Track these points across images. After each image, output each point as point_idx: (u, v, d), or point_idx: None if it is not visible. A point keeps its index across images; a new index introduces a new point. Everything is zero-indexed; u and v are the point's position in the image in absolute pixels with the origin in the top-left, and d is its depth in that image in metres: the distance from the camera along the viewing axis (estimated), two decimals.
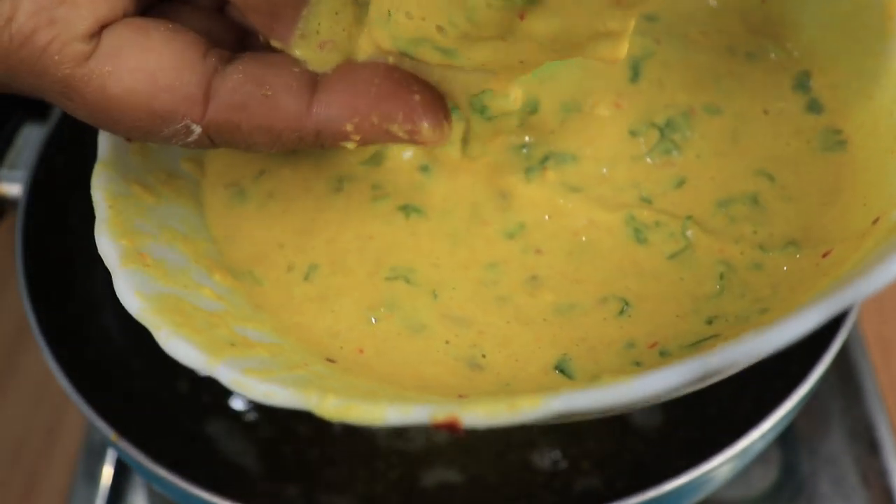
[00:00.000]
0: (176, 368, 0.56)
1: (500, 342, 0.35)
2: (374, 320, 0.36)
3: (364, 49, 0.34)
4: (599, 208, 0.38)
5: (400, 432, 0.54)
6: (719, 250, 0.36)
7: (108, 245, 0.34)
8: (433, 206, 0.39)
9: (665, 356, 0.34)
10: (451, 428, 0.27)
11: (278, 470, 0.53)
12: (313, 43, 0.34)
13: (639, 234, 0.37)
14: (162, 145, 0.40)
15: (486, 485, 0.52)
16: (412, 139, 0.33)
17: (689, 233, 0.37)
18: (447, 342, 0.35)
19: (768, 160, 0.39)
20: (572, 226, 0.38)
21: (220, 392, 0.56)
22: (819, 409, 0.59)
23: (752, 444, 0.43)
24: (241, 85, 0.32)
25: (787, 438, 0.58)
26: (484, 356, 0.35)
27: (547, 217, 0.38)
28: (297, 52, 0.34)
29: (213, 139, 0.33)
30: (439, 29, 0.31)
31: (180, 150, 0.41)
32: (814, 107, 0.40)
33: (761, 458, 0.57)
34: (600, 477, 0.52)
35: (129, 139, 0.38)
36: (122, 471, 0.58)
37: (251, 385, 0.30)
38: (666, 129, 0.40)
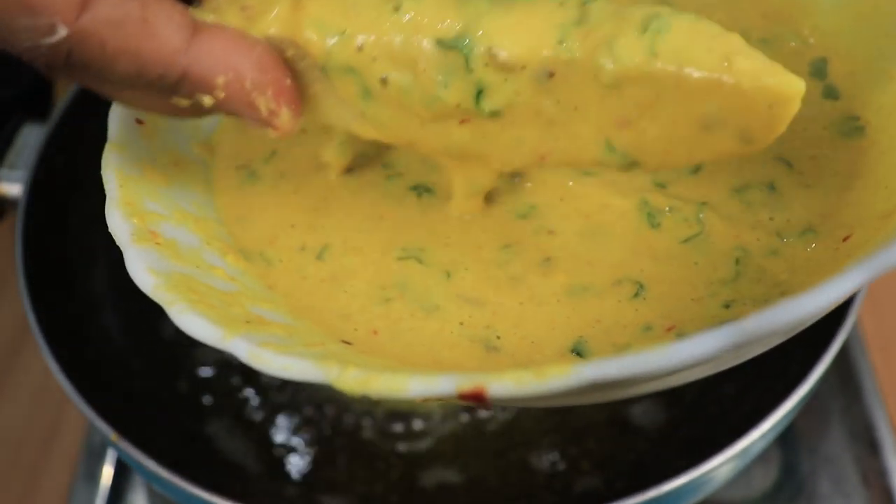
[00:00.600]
0: (176, 368, 0.57)
1: (515, 323, 0.35)
2: (387, 301, 0.36)
3: (271, 23, 0.33)
4: (612, 193, 0.38)
5: (399, 432, 0.54)
6: (735, 236, 0.36)
7: (118, 222, 0.34)
8: (444, 186, 0.39)
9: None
10: (477, 398, 0.27)
11: (278, 470, 0.53)
12: (236, 5, 0.33)
13: (652, 219, 0.37)
14: (171, 127, 0.39)
15: (485, 485, 0.52)
16: (267, 120, 0.33)
17: (703, 218, 0.37)
18: (461, 323, 0.35)
19: (786, 146, 0.38)
20: (585, 208, 0.38)
21: (220, 392, 0.56)
22: (819, 409, 0.59)
23: (752, 444, 0.43)
24: (124, 2, 0.30)
25: (787, 438, 0.58)
26: (499, 338, 0.34)
27: (560, 199, 0.38)
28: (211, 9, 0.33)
29: (71, 54, 0.30)
30: (382, 81, 0.32)
31: (190, 133, 0.41)
32: (831, 93, 0.40)
33: (761, 458, 0.57)
34: (600, 477, 0.52)
35: None
36: (122, 471, 0.58)
37: (268, 358, 0.29)
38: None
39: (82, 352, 0.52)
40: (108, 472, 0.58)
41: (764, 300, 0.34)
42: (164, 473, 0.43)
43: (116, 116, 0.37)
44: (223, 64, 0.31)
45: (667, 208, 0.37)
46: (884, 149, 0.37)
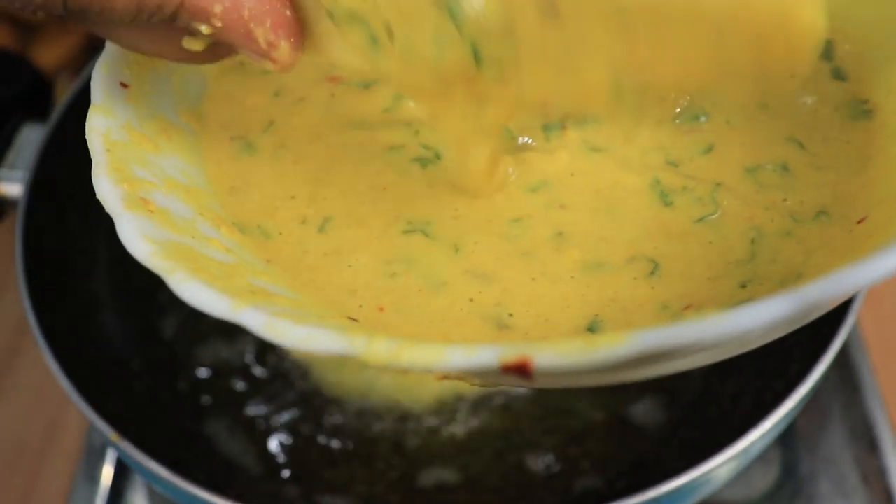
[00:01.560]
0: (176, 368, 0.57)
1: (527, 301, 0.33)
2: (392, 276, 0.34)
3: None
4: (624, 170, 0.37)
5: (399, 432, 0.54)
6: (749, 217, 0.35)
7: (108, 188, 0.32)
8: (450, 157, 0.38)
9: None
10: (521, 370, 0.25)
11: (278, 470, 0.53)
12: None
13: (665, 198, 0.36)
14: (156, 91, 0.38)
15: (485, 485, 0.52)
16: (265, 52, 0.32)
17: (717, 197, 0.36)
18: (471, 300, 0.33)
19: (797, 127, 0.38)
20: (596, 184, 0.37)
21: (219, 392, 0.56)
22: (819, 409, 0.59)
23: (752, 444, 0.43)
24: None
25: (787, 438, 0.58)
26: (511, 315, 0.33)
27: (570, 174, 0.37)
28: None
29: None
30: (389, 32, 0.31)
31: (177, 99, 0.39)
32: (838, 75, 0.39)
33: (761, 458, 0.57)
34: (600, 477, 0.52)
35: None
36: (122, 471, 0.58)
37: (285, 328, 0.27)
38: (695, 94, 0.39)
39: (82, 352, 0.52)
40: (108, 472, 0.58)
41: (780, 281, 0.33)
42: (164, 473, 0.43)
43: (99, 80, 0.35)
44: None
45: (680, 187, 0.36)
46: (893, 132, 0.36)
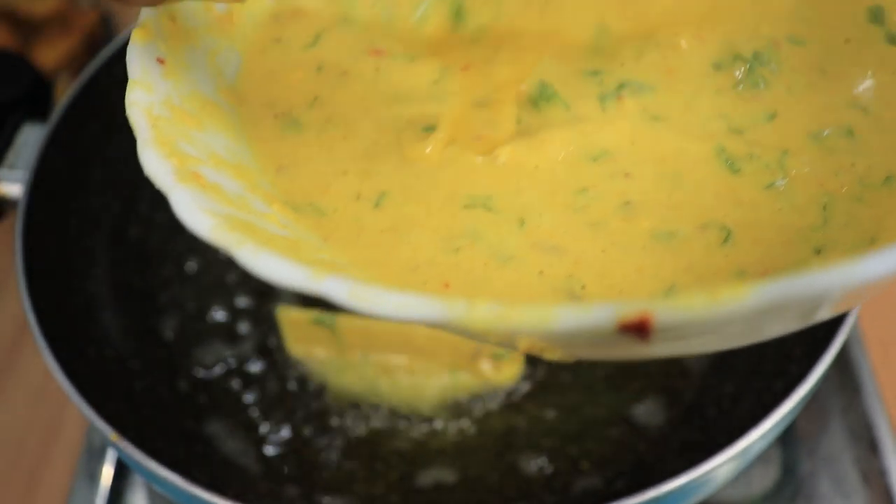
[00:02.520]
0: (176, 368, 0.57)
1: (599, 272, 0.32)
2: (456, 251, 0.33)
3: None
4: (687, 138, 0.36)
5: (399, 432, 0.54)
6: (819, 182, 0.34)
7: (157, 162, 0.30)
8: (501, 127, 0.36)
9: None
10: (640, 328, 0.23)
11: (278, 470, 0.53)
12: None
13: (732, 165, 0.35)
14: (192, 66, 0.37)
15: (485, 485, 0.52)
16: None
17: (784, 163, 0.35)
18: (541, 273, 0.32)
19: (858, 90, 0.37)
20: (660, 152, 0.36)
21: (219, 392, 0.56)
22: (819, 409, 0.59)
23: (753, 444, 0.43)
24: None
25: (787, 438, 0.58)
26: (583, 287, 0.32)
27: (632, 143, 0.36)
28: None
29: None
30: None
31: (213, 76, 0.38)
32: (893, 40, 0.38)
33: (761, 458, 0.57)
34: (600, 477, 0.52)
35: None
36: (122, 471, 0.58)
37: (375, 295, 0.25)
38: (754, 62, 0.38)
39: (82, 352, 0.52)
40: (108, 472, 0.58)
41: (853, 246, 0.32)
42: (164, 473, 0.43)
43: (135, 54, 0.34)
44: None
45: (746, 154, 0.35)
46: None
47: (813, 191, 0.34)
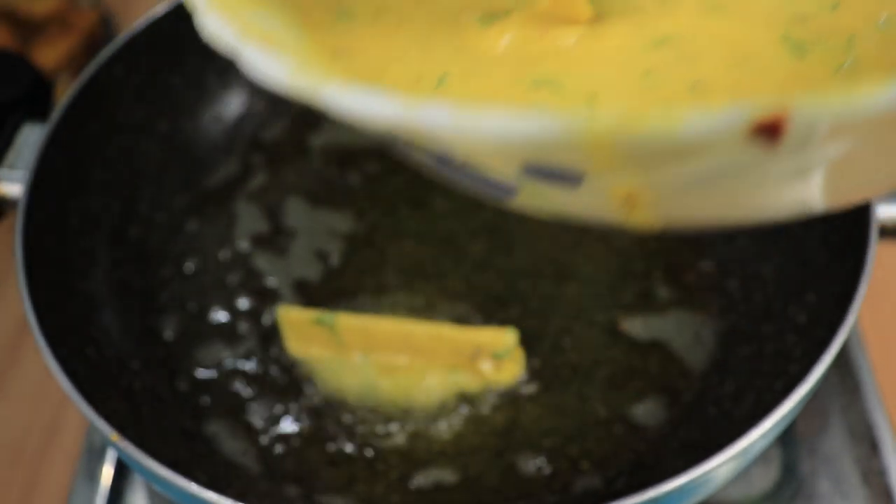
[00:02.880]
0: (176, 368, 0.57)
1: None
2: None
3: None
4: (750, 25, 0.36)
5: (399, 432, 0.54)
6: (891, 63, 0.34)
7: (219, 25, 0.29)
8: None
9: None
10: (772, 128, 0.22)
11: (278, 470, 0.53)
12: None
13: (799, 50, 0.35)
14: None
15: (485, 485, 0.52)
16: None
17: (853, 49, 0.35)
18: None
19: None
20: (726, 37, 0.35)
21: (219, 392, 0.56)
22: (819, 409, 0.59)
23: (753, 444, 0.43)
24: None
25: (787, 438, 0.58)
26: None
27: (693, 30, 0.35)
28: None
29: None
30: None
31: None
32: None
33: (761, 458, 0.57)
34: (600, 477, 0.52)
35: None
36: (122, 471, 0.58)
37: (482, 113, 0.23)
38: None
39: (82, 352, 0.52)
40: (108, 472, 0.58)
41: None
42: (164, 473, 0.43)
43: None
44: None
45: (812, 40, 0.35)
46: None
47: (882, 74, 0.34)
